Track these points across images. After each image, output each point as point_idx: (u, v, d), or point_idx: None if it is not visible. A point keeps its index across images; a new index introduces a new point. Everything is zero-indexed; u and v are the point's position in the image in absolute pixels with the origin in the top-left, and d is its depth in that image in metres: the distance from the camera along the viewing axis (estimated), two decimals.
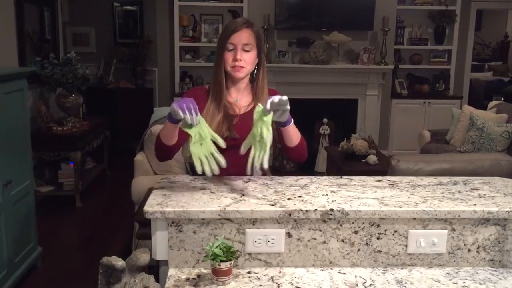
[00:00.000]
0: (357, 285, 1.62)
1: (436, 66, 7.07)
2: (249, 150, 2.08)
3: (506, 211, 1.70)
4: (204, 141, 1.80)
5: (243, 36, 2.07)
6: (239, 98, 2.19)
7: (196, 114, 1.78)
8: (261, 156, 1.78)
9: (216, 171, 1.82)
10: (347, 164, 4.79)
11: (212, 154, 1.81)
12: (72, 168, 5.05)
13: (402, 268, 1.73)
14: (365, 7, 6.39)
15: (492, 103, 5.88)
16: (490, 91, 9.31)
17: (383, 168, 4.44)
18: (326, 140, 6.31)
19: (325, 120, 6.34)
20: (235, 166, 2.01)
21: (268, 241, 1.70)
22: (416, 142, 6.23)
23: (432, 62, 7.08)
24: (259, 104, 1.85)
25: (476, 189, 1.91)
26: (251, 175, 1.89)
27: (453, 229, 1.73)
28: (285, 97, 1.79)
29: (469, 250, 1.75)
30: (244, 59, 2.07)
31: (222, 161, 1.81)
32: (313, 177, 2.06)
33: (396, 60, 6.93)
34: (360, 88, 6.62)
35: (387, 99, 6.77)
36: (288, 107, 1.82)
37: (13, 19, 4.66)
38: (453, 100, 6.94)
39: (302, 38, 6.42)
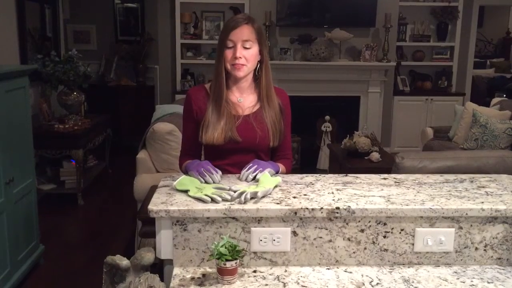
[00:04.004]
0: (363, 284, 1.60)
1: (438, 63, 7.04)
2: (252, 154, 2.06)
3: None
4: (204, 189, 1.78)
5: (243, 33, 2.02)
6: (243, 98, 2.13)
7: (212, 173, 1.89)
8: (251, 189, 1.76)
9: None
10: (350, 162, 4.77)
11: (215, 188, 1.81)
12: (74, 166, 5.04)
13: (409, 267, 1.72)
14: (367, 3, 6.36)
15: (495, 99, 5.85)
16: (492, 88, 9.26)
17: (386, 165, 4.42)
18: (328, 137, 6.29)
19: (327, 117, 6.31)
20: (238, 169, 2.00)
21: (274, 240, 1.68)
22: (419, 139, 6.21)
23: (435, 59, 7.04)
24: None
25: (483, 187, 1.89)
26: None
27: (461, 228, 1.71)
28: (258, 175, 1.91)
29: (476, 249, 1.73)
30: (244, 56, 2.02)
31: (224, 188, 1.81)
32: (318, 175, 2.04)
33: (398, 57, 6.91)
34: (362, 85, 6.60)
35: (389, 96, 6.74)
36: (259, 176, 1.90)
37: (14, 16, 4.64)
38: (456, 97, 6.91)
39: (304, 35, 6.39)
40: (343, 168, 4.72)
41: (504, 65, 10.72)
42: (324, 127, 6.31)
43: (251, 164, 1.97)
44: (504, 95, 8.03)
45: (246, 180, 1.91)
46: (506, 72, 10.19)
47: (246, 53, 2.03)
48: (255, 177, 1.92)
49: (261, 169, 1.94)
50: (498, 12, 11.35)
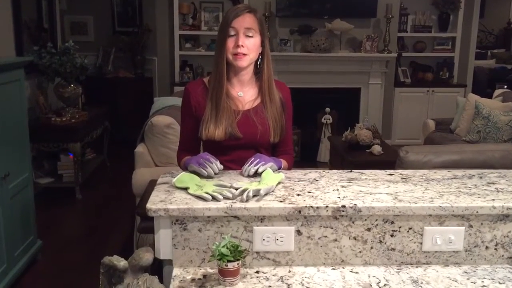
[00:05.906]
0: (371, 285, 1.55)
1: (439, 54, 6.97)
2: (253, 150, 2.00)
3: None
4: (204, 187, 1.72)
5: (245, 21, 1.95)
6: (243, 91, 2.06)
7: (212, 162, 1.85)
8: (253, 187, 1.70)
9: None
10: (351, 154, 4.71)
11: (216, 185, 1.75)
12: (71, 160, 4.98)
13: (417, 267, 1.66)
14: None
15: (498, 91, 5.80)
16: (493, 79, 9.20)
17: (387, 158, 4.37)
18: (329, 130, 6.23)
19: (327, 109, 6.25)
20: (238, 165, 1.94)
21: (277, 239, 1.62)
22: (420, 131, 6.15)
23: (436, 50, 6.97)
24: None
25: (493, 183, 1.83)
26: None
27: (471, 226, 1.65)
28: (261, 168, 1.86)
29: (487, 248, 1.67)
30: (246, 45, 1.95)
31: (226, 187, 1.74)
32: (321, 170, 1.98)
33: (400, 48, 6.83)
34: (363, 76, 6.53)
35: (390, 87, 6.67)
36: (261, 169, 1.86)
37: (10, 7, 4.55)
38: (457, 88, 6.84)
39: (304, 26, 6.31)
40: (344, 161, 4.66)
41: (505, 55, 10.64)
42: (325, 119, 6.25)
43: (252, 159, 1.91)
44: (505, 86, 7.97)
45: (248, 174, 1.85)
46: (507, 63, 10.11)
47: (248, 42, 1.96)
48: (256, 170, 1.86)
49: (263, 162, 1.88)
50: (499, 2, 11.26)
